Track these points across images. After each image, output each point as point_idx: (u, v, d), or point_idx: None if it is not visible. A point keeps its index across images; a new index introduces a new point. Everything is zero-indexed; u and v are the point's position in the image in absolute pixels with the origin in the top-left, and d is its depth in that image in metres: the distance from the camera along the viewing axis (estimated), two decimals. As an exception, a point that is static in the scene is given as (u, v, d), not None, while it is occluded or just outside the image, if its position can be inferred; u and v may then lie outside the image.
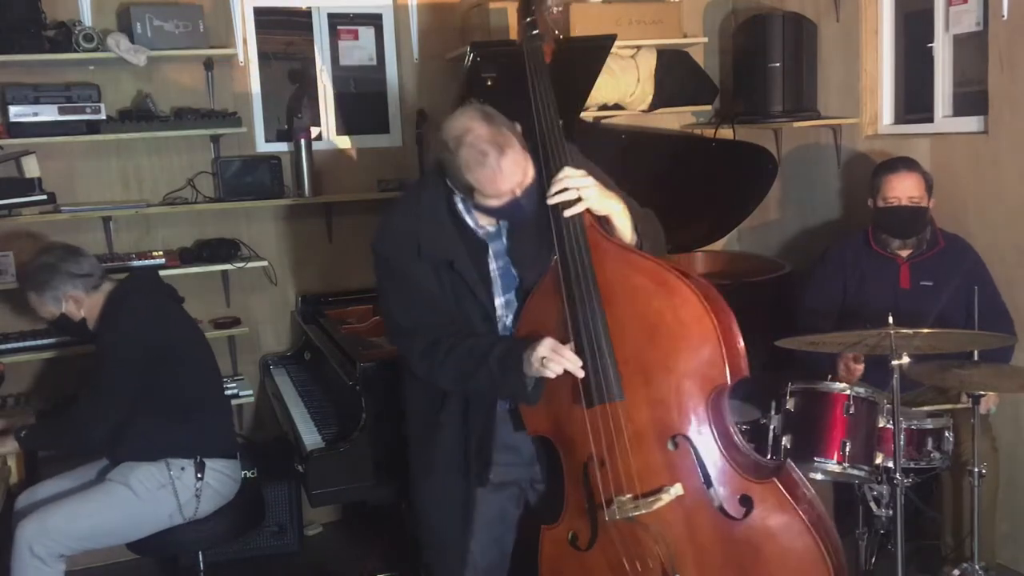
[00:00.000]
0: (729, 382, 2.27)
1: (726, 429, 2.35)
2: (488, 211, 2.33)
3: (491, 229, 2.42)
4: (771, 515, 2.28)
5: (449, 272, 2.37)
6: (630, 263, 2.31)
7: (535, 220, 2.35)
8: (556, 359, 2.22)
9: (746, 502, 2.28)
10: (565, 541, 2.42)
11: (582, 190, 2.27)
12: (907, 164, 3.43)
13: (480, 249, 2.40)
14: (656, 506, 2.27)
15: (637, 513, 2.27)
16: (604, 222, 2.34)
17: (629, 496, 2.29)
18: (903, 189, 3.37)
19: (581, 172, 2.29)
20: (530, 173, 2.28)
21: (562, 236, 2.29)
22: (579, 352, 2.25)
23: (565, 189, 2.27)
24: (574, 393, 2.31)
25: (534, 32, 2.44)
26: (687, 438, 2.30)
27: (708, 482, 2.29)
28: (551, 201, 2.28)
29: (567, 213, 2.28)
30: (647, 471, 2.30)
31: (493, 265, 2.42)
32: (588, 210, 2.30)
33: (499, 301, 2.42)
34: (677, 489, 2.28)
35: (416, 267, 2.36)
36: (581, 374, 2.25)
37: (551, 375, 2.24)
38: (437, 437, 2.47)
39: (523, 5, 2.48)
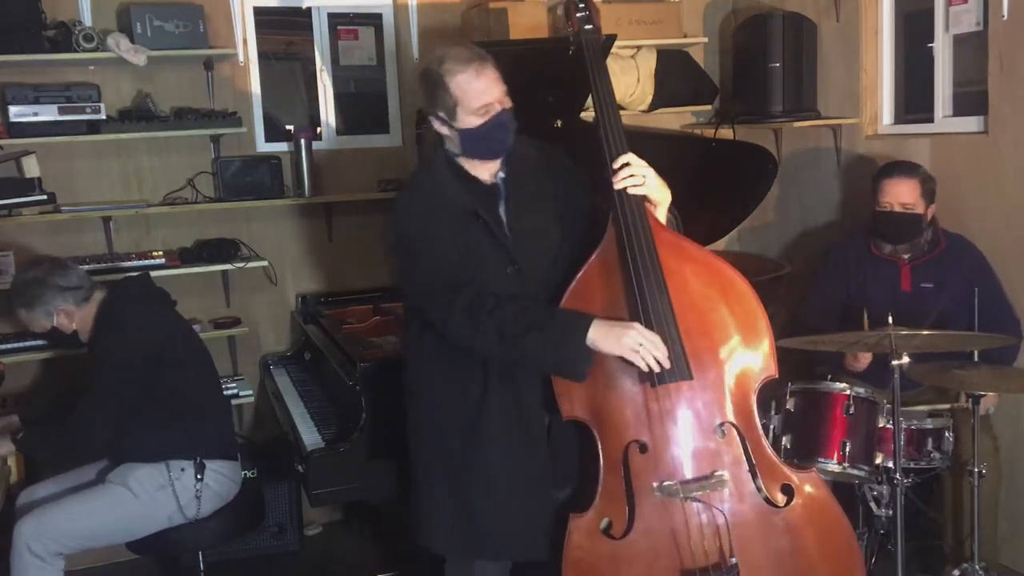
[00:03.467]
0: (777, 375, 2.37)
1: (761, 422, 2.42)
2: (475, 138, 2.39)
3: (496, 181, 2.49)
4: (811, 504, 2.36)
5: (473, 223, 2.40)
6: (686, 251, 2.40)
7: (531, 186, 2.47)
8: (649, 348, 2.25)
9: (788, 491, 2.36)
10: (596, 529, 2.40)
11: (647, 177, 2.38)
12: (904, 170, 3.40)
13: (492, 200, 2.47)
14: (707, 491, 2.32)
15: (700, 493, 2.31)
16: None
17: (675, 482, 2.33)
18: (895, 195, 3.35)
19: (643, 161, 2.39)
20: (507, 101, 2.40)
21: (626, 217, 2.37)
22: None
23: (632, 176, 2.37)
24: (621, 374, 2.33)
25: (588, 27, 2.54)
26: (735, 426, 2.36)
27: (753, 471, 2.36)
28: (619, 184, 2.36)
29: (631, 191, 2.37)
30: (694, 457, 2.35)
31: (504, 219, 2.48)
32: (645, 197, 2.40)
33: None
34: (723, 476, 2.33)
35: (444, 224, 2.39)
36: (668, 364, 2.28)
37: (640, 363, 2.26)
38: (484, 415, 2.43)
39: (572, 2, 2.57)
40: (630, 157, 2.39)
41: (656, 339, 2.27)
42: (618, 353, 2.27)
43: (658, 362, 2.27)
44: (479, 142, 2.41)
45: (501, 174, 2.49)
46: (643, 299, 2.31)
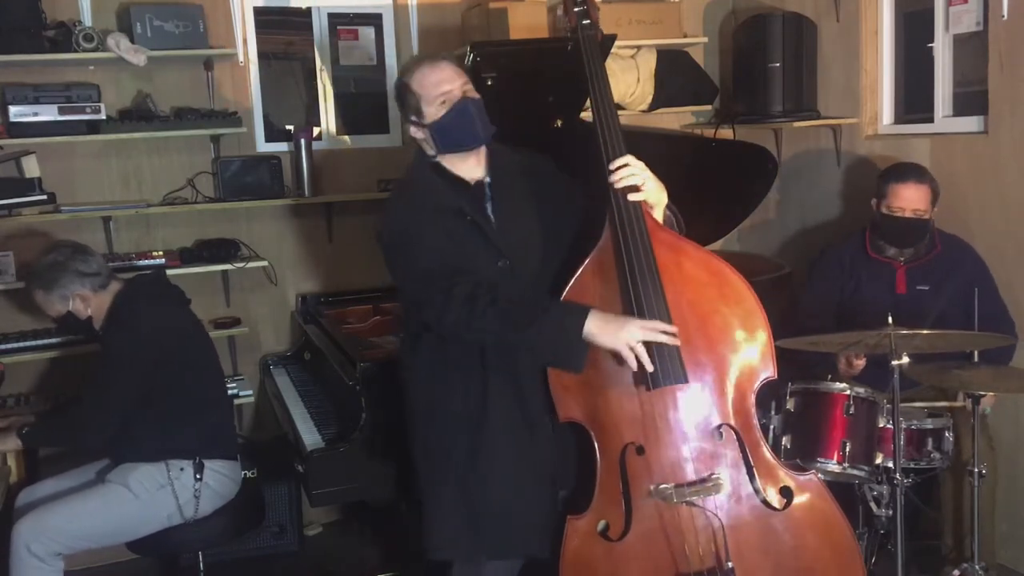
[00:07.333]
0: (776, 377, 2.35)
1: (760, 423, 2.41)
2: (443, 129, 2.42)
3: (482, 182, 2.51)
4: (810, 506, 2.35)
5: (460, 220, 2.42)
6: (684, 251, 2.38)
7: (515, 189, 2.50)
8: (653, 337, 2.23)
9: (787, 493, 2.35)
10: (594, 531, 2.39)
11: (647, 181, 2.37)
12: (918, 175, 3.37)
13: (478, 198, 2.49)
14: (702, 496, 2.30)
15: (695, 498, 2.29)
16: None
17: (672, 485, 2.31)
18: (909, 201, 3.32)
19: (641, 163, 2.39)
20: (472, 92, 2.45)
21: (623, 218, 2.35)
22: None
23: (630, 176, 2.36)
24: (617, 376, 2.31)
25: (586, 22, 2.54)
26: (733, 428, 2.34)
27: (751, 473, 2.34)
28: (618, 185, 2.35)
29: (630, 197, 2.36)
30: (691, 460, 2.33)
31: (492, 217, 2.50)
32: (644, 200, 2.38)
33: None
34: (721, 479, 2.32)
35: (432, 222, 2.41)
36: (676, 342, 2.27)
37: (631, 361, 2.23)
38: (486, 414, 2.42)
39: None
40: (628, 159, 2.37)
41: (657, 323, 2.25)
42: (612, 346, 2.23)
43: (654, 364, 2.25)
44: (447, 132, 2.44)
45: (487, 178, 2.52)
46: (638, 302, 2.30)
